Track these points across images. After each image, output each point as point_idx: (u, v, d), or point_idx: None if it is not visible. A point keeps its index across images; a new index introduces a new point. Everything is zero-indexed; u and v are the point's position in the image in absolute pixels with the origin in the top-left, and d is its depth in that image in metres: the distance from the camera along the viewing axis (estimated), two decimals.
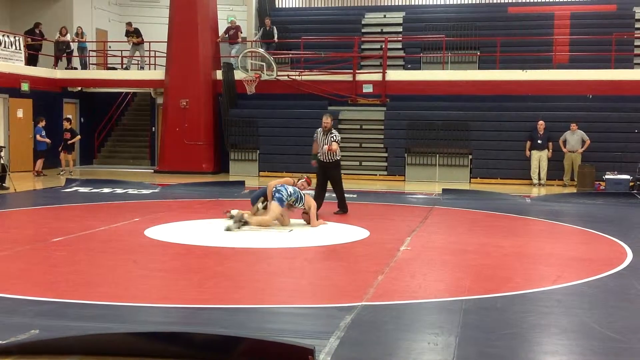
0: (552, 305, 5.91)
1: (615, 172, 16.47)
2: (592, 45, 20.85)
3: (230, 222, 9.50)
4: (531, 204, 14.15)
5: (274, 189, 9.86)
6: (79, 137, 20.47)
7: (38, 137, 19.19)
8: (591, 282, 6.78)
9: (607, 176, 16.29)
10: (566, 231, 10.59)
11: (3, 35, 20.00)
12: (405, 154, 19.29)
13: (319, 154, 11.53)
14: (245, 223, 9.55)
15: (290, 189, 9.96)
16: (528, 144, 17.93)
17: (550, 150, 17.78)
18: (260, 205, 10.11)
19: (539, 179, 17.84)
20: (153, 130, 23.54)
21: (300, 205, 10.02)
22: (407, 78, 20.46)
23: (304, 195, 10.13)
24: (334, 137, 11.36)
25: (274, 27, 21.68)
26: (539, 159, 17.83)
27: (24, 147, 20.04)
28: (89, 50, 23.55)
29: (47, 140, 19.18)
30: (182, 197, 14.10)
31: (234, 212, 9.69)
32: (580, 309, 5.80)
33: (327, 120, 11.45)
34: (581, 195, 15.25)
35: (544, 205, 13.80)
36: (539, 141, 17.80)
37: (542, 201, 14.71)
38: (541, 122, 17.83)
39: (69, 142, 19.47)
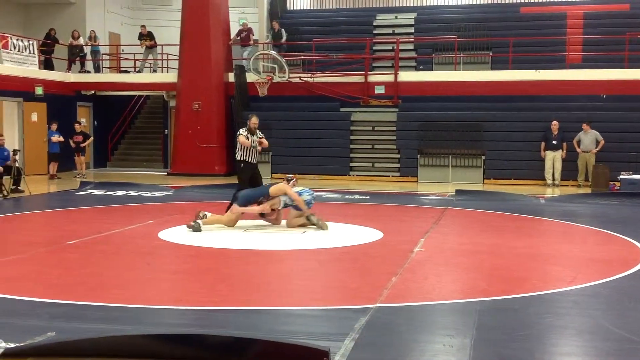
0: (568, 306, 5.88)
1: (630, 172, 16.34)
2: (605, 44, 20.72)
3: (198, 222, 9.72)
4: (545, 205, 14.08)
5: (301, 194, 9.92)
6: (91, 139, 20.60)
7: (53, 138, 19.31)
8: (607, 283, 6.74)
9: (621, 176, 16.17)
10: (581, 232, 10.53)
11: (17, 40, 20.15)
12: (418, 155, 19.24)
13: (248, 157, 11.25)
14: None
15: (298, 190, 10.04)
16: (543, 144, 17.84)
17: (565, 151, 17.69)
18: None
19: (553, 180, 17.75)
20: (166, 132, 23.62)
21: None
22: (419, 79, 20.41)
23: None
24: (262, 135, 11.37)
25: (282, 30, 21.71)
26: (553, 160, 17.73)
27: (39, 151, 20.16)
28: (102, 54, 23.69)
29: (61, 138, 19.30)
30: (195, 200, 14.13)
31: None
32: (596, 310, 5.76)
33: (256, 121, 11.36)
34: (596, 195, 15.15)
35: (559, 206, 13.73)
36: (553, 141, 17.70)
37: (557, 202, 14.63)
38: (555, 122, 17.74)
39: (82, 145, 19.60)
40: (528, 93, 19.33)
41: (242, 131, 11.17)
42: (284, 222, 10.24)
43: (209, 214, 9.93)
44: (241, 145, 11.07)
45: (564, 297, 6.17)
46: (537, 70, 19.41)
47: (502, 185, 17.86)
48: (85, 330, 4.87)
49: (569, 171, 17.80)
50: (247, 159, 11.15)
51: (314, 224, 9.86)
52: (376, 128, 20.06)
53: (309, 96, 20.66)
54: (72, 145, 19.52)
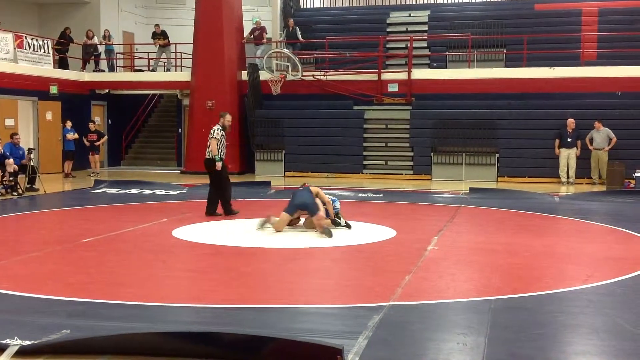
0: (583, 305, 5.84)
1: None
2: (621, 41, 20.58)
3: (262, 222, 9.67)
4: (560, 203, 14.01)
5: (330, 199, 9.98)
6: (105, 138, 20.73)
7: (69, 135, 19.44)
8: (622, 281, 6.69)
9: (637, 174, 16.07)
10: (596, 230, 10.46)
11: (32, 39, 20.28)
12: (432, 153, 19.20)
13: (222, 154, 11.37)
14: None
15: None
16: (557, 142, 17.75)
17: (579, 149, 17.59)
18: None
19: (568, 177, 17.65)
20: (179, 131, 23.71)
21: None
22: (432, 77, 20.35)
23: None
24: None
25: (297, 28, 21.71)
26: (568, 157, 17.64)
27: (53, 149, 20.30)
28: (116, 53, 23.80)
29: (76, 135, 19.45)
30: None
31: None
32: (611, 309, 5.72)
33: (230, 119, 11.54)
34: (611, 193, 15.06)
35: (573, 204, 13.65)
36: (569, 139, 17.61)
37: (571, 200, 14.55)
38: (571, 120, 17.64)
39: (96, 143, 19.71)
40: (542, 90, 19.23)
41: (220, 131, 11.26)
42: (301, 220, 10.20)
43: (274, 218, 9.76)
44: (219, 142, 11.25)
45: (579, 296, 6.14)
46: (552, 68, 19.30)
47: (516, 183, 17.79)
48: (100, 328, 4.90)
49: (584, 169, 17.70)
50: (223, 157, 11.41)
51: (341, 225, 9.85)
52: (389, 126, 20.03)
53: (322, 94, 20.66)
54: (87, 144, 19.64)
